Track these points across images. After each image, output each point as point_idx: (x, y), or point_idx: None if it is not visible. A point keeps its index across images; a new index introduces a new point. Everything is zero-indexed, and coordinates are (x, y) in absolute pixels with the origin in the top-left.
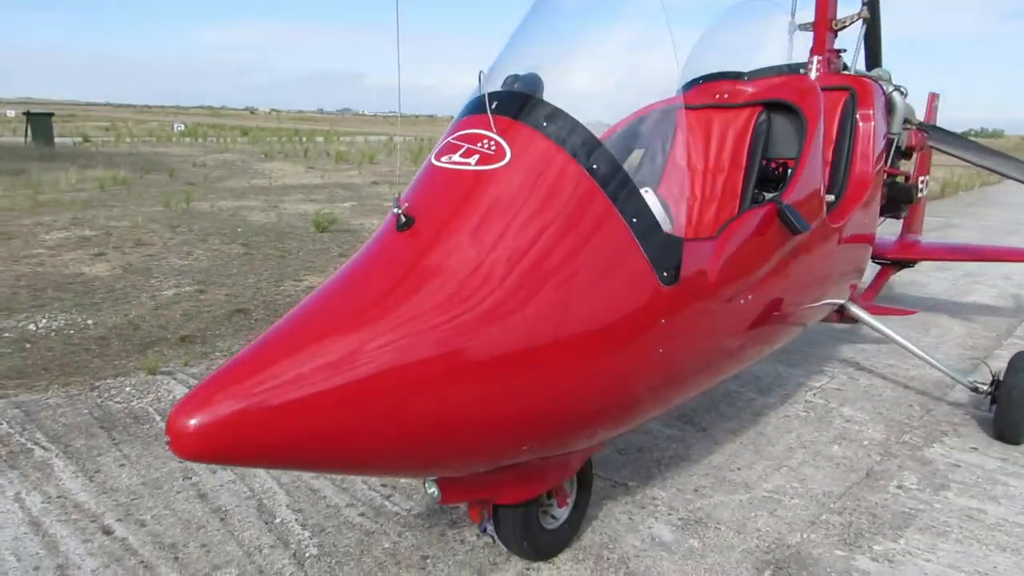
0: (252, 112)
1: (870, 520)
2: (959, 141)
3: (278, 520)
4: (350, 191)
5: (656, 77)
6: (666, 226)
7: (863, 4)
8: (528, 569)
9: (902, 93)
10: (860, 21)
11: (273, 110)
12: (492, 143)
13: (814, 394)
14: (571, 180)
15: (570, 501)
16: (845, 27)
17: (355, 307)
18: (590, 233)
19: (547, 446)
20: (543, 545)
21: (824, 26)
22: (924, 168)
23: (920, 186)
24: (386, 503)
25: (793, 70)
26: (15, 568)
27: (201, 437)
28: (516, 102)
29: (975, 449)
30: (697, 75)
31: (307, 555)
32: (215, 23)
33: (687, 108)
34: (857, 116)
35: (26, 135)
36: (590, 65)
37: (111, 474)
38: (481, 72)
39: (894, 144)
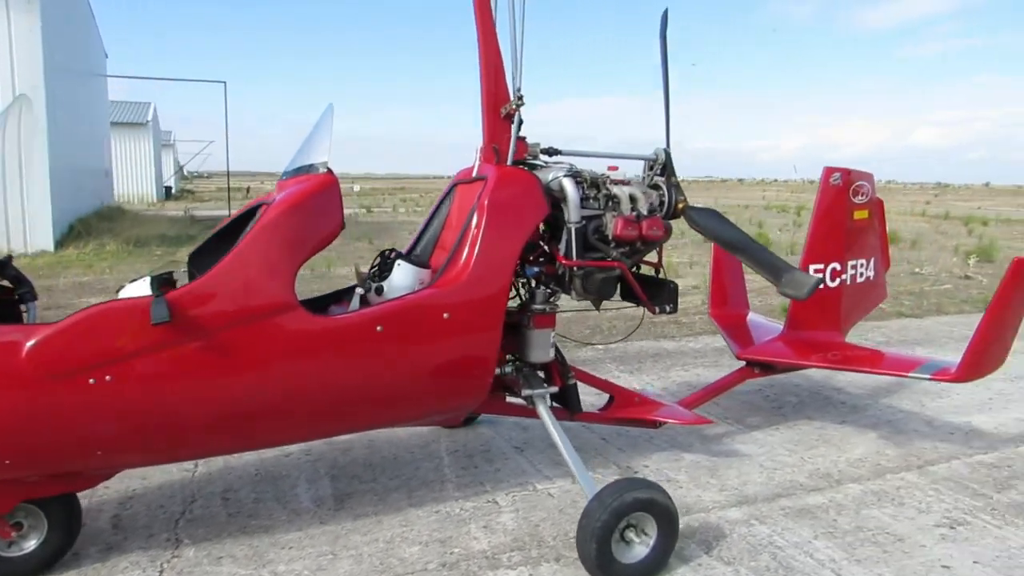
0: None
1: None
2: (721, 227)
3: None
4: None
5: None
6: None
7: (516, 92)
8: None
9: (579, 180)
10: (518, 110)
11: None
12: None
13: (512, 499)
14: None
15: (20, 536)
16: (510, 114)
17: None
18: None
19: None
20: None
21: (489, 115)
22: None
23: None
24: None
25: (314, 169)
26: None
27: None
28: None
29: None
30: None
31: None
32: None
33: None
34: (475, 207)
35: None
36: None
37: None
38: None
39: (573, 234)
